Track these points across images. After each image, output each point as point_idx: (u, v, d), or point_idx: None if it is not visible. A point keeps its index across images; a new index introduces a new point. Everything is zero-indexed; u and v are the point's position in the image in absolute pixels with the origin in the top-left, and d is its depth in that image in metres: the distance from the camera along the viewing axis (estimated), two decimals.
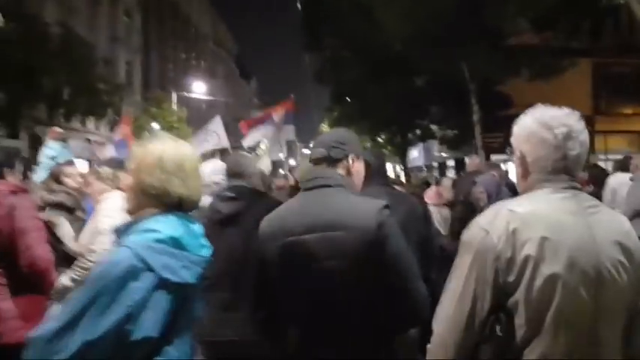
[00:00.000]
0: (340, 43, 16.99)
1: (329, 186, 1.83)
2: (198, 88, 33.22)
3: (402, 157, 20.91)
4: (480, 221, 1.40)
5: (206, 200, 3.35)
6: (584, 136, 1.44)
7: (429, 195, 5.06)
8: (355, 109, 20.07)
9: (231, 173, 2.92)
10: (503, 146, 15.70)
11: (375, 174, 2.61)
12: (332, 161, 1.91)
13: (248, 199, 2.71)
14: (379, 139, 24.16)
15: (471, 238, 1.39)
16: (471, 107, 12.56)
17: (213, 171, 3.48)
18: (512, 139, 1.52)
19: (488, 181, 5.77)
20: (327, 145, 1.93)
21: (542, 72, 11.62)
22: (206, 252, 1.64)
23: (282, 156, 10.51)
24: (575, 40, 11.94)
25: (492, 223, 1.36)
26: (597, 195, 6.80)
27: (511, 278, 1.32)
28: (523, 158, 1.47)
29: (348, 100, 20.84)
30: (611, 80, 17.35)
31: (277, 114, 8.99)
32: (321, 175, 1.88)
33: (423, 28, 10.28)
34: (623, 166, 6.41)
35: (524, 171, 1.47)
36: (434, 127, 19.24)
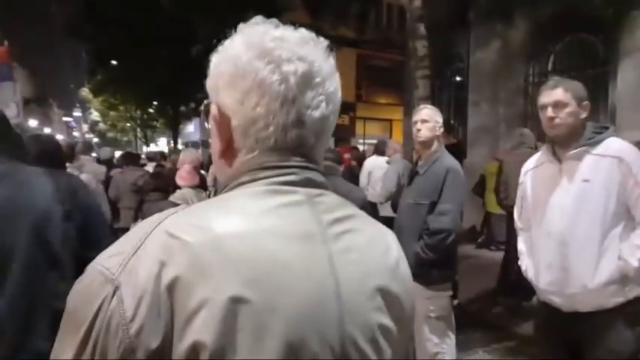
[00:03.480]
0: None
1: None
2: None
3: (173, 130, 19.49)
4: (103, 258, 0.62)
5: None
6: (335, 84, 0.74)
7: (181, 175, 4.14)
8: (123, 74, 17.81)
9: None
10: None
11: None
12: None
13: None
14: (150, 110, 22.21)
15: (80, 300, 0.60)
16: None
17: None
18: (207, 83, 0.75)
19: None
20: None
21: None
22: None
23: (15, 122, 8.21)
24: (344, 27, 12.40)
25: (129, 265, 0.59)
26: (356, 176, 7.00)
27: None
28: (223, 121, 0.72)
29: (115, 63, 18.41)
30: (371, 71, 19.00)
31: None
32: None
33: None
34: (379, 149, 6.62)
35: (227, 147, 0.73)
36: None
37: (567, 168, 2.12)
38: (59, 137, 14.27)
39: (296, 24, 0.74)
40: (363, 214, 0.76)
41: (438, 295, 2.95)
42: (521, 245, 2.43)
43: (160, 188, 3.51)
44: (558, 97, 2.11)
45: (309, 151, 0.72)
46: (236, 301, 0.57)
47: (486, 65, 8.61)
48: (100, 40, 16.59)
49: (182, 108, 18.76)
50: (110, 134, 34.61)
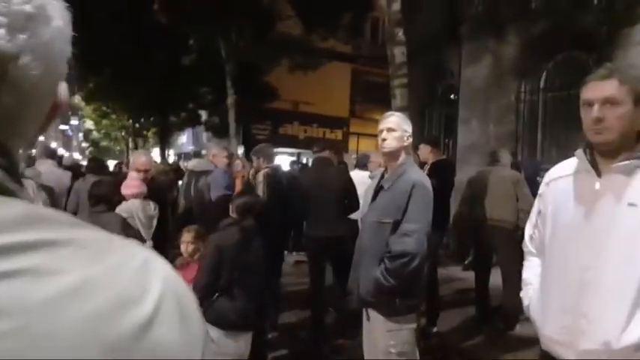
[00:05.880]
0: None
1: None
2: None
3: (161, 142, 19.17)
4: None
5: None
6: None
7: (126, 183, 3.83)
8: (114, 82, 17.52)
9: None
10: (270, 138, 15.82)
11: None
12: None
13: None
14: (142, 120, 21.92)
15: None
16: (226, 90, 11.67)
17: None
18: None
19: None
20: None
21: (301, 65, 11.60)
22: None
23: None
24: (335, 40, 12.21)
25: None
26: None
27: None
28: None
29: (106, 71, 18.13)
30: (366, 87, 18.82)
31: None
32: None
33: None
34: (360, 163, 6.37)
35: None
36: (202, 112, 18.10)
37: (608, 185, 1.60)
38: (53, 145, 13.91)
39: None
40: (80, 240, 0.42)
41: (400, 327, 2.60)
42: (527, 274, 1.92)
43: (102, 198, 3.17)
44: (610, 91, 1.56)
45: None
46: None
47: (477, 81, 8.36)
48: (90, 47, 16.36)
49: (172, 118, 18.46)
50: (103, 143, 34.22)
